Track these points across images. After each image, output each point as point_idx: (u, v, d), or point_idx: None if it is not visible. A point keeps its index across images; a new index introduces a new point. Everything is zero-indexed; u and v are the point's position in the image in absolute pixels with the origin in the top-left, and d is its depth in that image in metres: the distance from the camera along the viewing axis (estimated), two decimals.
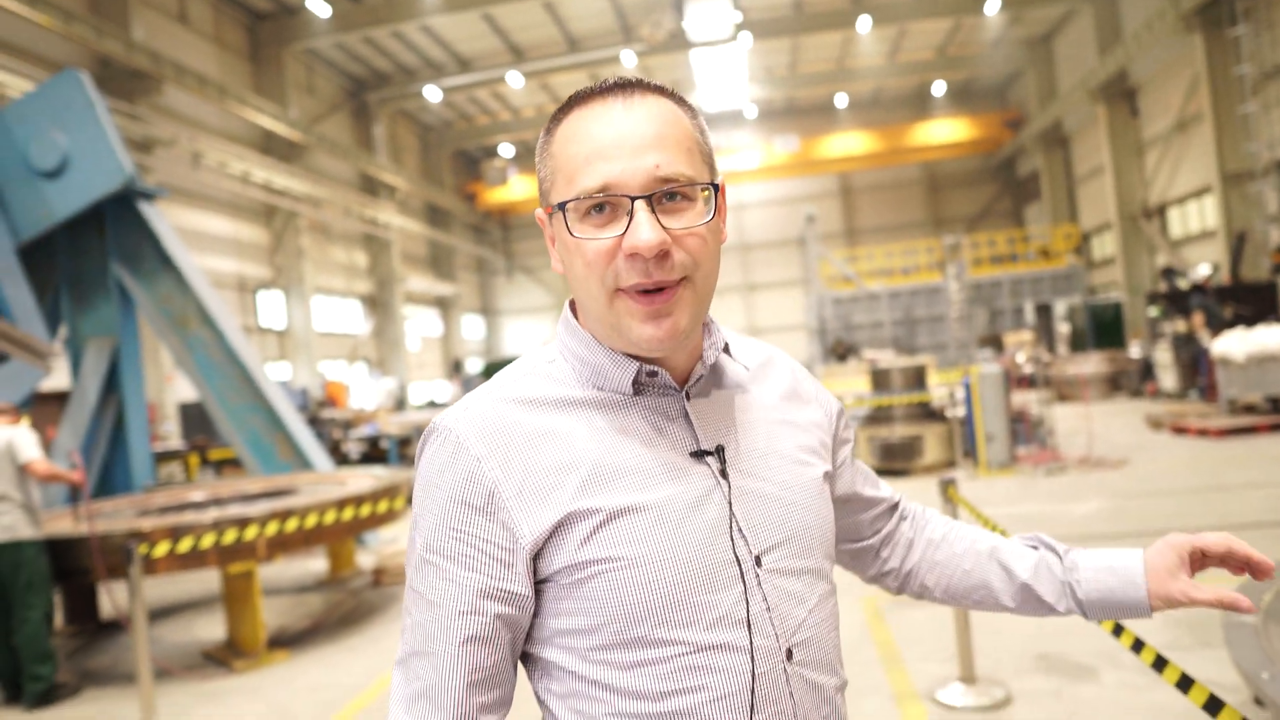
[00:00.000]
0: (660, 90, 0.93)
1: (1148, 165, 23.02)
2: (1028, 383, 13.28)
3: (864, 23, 25.36)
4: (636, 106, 0.89)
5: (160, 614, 6.55)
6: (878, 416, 10.02)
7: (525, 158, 37.03)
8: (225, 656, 5.21)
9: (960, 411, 9.78)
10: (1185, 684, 1.98)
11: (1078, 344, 19.62)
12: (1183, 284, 16.15)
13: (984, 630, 4.44)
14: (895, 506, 1.20)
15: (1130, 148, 23.37)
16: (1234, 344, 10.60)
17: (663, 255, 0.84)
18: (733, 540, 0.88)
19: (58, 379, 9.46)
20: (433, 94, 27.80)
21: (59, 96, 8.05)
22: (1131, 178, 23.33)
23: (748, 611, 0.87)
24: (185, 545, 4.64)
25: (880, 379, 10.11)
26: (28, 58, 15.03)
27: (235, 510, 5.40)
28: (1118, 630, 2.35)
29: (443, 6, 21.94)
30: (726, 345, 0.99)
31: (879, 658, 4.28)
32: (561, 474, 0.87)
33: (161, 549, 4.55)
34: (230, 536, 4.83)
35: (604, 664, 0.86)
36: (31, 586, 4.75)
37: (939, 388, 10.99)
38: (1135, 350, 17.04)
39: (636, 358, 0.91)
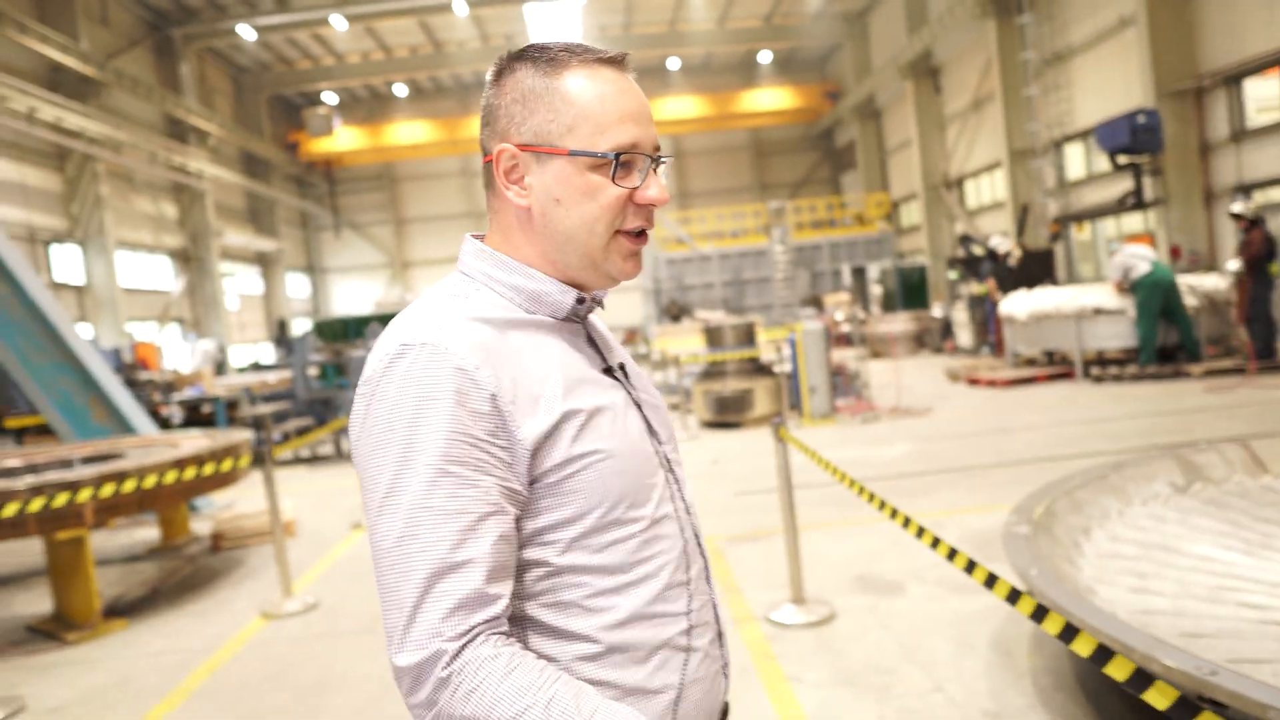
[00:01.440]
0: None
1: (949, 140, 25.03)
2: (845, 340, 14.35)
3: None
4: (635, 83, 1.06)
5: None
6: (712, 372, 10.58)
7: (351, 107, 35.28)
8: (54, 629, 4.95)
9: (787, 367, 10.50)
10: (991, 581, 2.37)
11: (888, 304, 21.26)
12: (978, 250, 17.86)
13: (810, 559, 4.96)
14: None
15: (934, 123, 25.30)
16: (1017, 305, 11.93)
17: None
18: (650, 436, 1.08)
19: None
20: (247, 32, 25.93)
21: None
22: (935, 151, 25.30)
23: (672, 490, 1.08)
24: (10, 511, 4.37)
25: (714, 336, 10.66)
26: None
27: (57, 475, 5.10)
28: (935, 543, 2.78)
29: None
30: None
31: (720, 588, 4.69)
32: (544, 381, 0.97)
33: None
34: (60, 500, 4.59)
35: (581, 549, 0.97)
36: None
37: (767, 345, 11.69)
38: (937, 311, 18.68)
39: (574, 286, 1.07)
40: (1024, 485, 5.48)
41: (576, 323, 1.09)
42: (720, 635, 1.10)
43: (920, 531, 2.69)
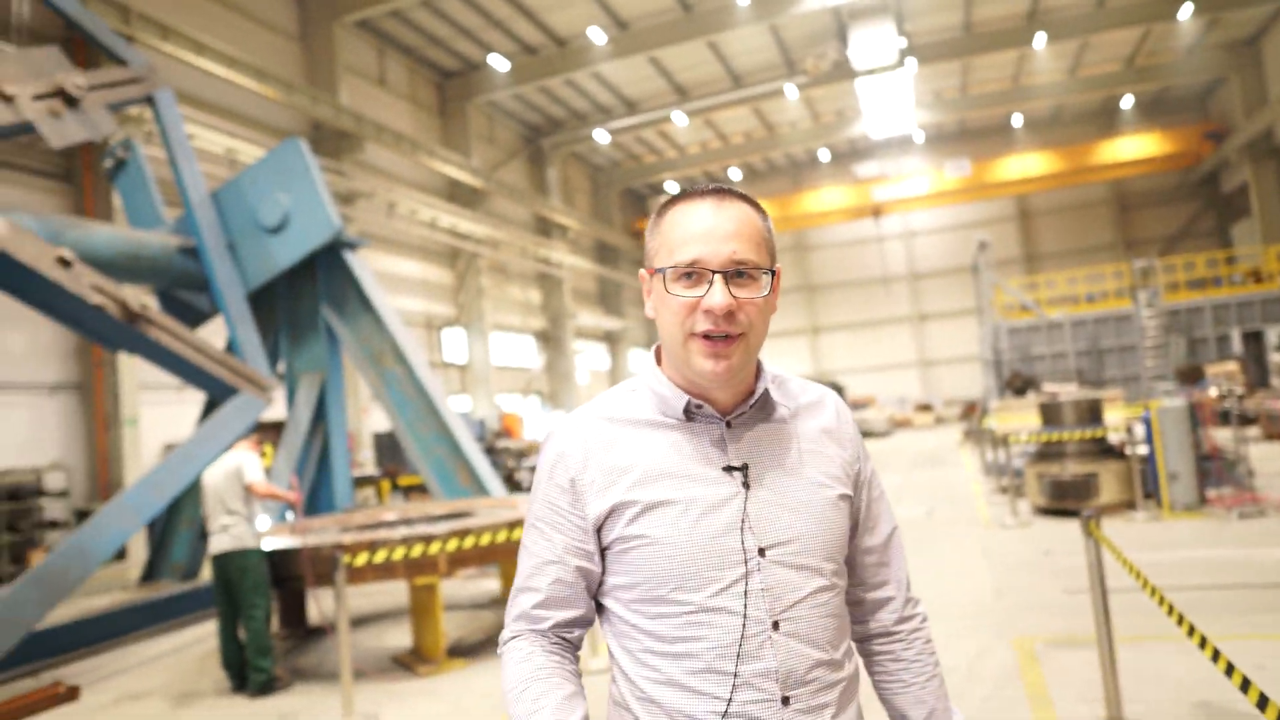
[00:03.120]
0: (743, 197, 1.24)
1: None
2: (1225, 418, 12.24)
3: (1040, 39, 24.34)
4: (725, 208, 1.21)
5: (357, 623, 7.33)
6: (1048, 453, 9.61)
7: None
8: (411, 662, 5.82)
9: (1141, 449, 9.23)
10: None
11: None
12: None
13: (1145, 675, 4.31)
14: (891, 601, 1.37)
15: None
16: None
17: (729, 314, 1.16)
18: (742, 533, 1.17)
19: (275, 410, 10.74)
20: (601, 136, 29.10)
21: (282, 162, 9.25)
22: None
23: (746, 587, 1.16)
24: (380, 557, 5.28)
25: (1050, 414, 9.71)
26: (255, 126, 17.18)
27: (421, 529, 6.05)
28: (1245, 685, 2.35)
29: (611, 54, 23.07)
30: (767, 390, 1.26)
31: (1026, 696, 4.25)
32: (620, 473, 1.21)
33: (361, 560, 5.20)
34: (417, 551, 5.44)
35: (638, 612, 1.19)
36: (255, 589, 5.55)
37: (1120, 423, 10.38)
38: None
39: (693, 393, 1.23)
40: None
41: (712, 422, 1.23)
42: None
43: (1214, 656, 2.28)
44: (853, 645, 1.29)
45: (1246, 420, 15.20)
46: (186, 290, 9.40)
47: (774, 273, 1.22)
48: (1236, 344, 20.43)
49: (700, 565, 1.16)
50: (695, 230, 1.18)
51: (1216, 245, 31.55)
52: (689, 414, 1.23)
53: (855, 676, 1.26)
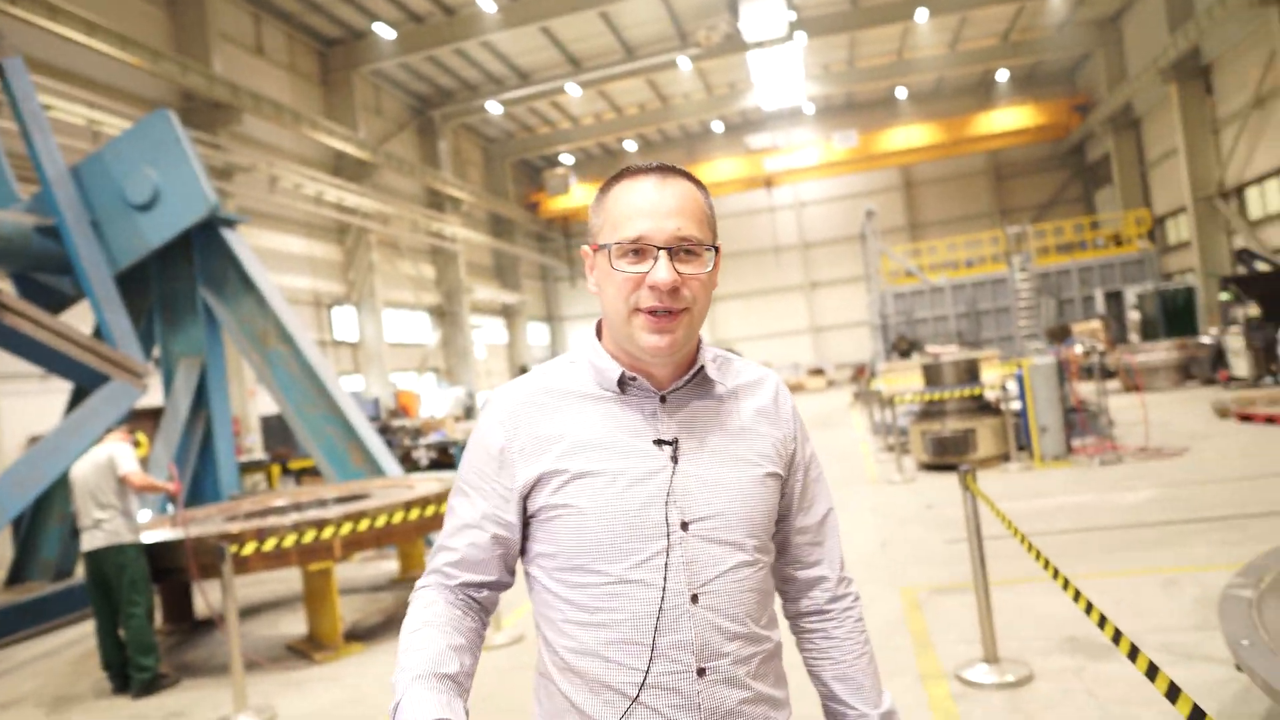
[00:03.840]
0: (686, 175, 1.24)
1: (1224, 144, 22.26)
2: (1090, 373, 13.06)
3: (922, 14, 25.12)
4: (669, 185, 1.21)
5: (247, 613, 7.09)
6: (931, 411, 10.07)
7: (585, 164, 37.62)
8: (306, 649, 5.67)
9: (1015, 404, 9.78)
10: (1152, 672, 2.10)
11: (1149, 332, 19.12)
12: (1262, 267, 15.64)
13: (1017, 615, 4.59)
14: (822, 580, 1.37)
15: (1205, 127, 22.64)
16: None
17: (674, 290, 1.18)
18: (666, 507, 1.18)
19: (151, 396, 10.20)
20: (494, 108, 28.55)
21: (150, 135, 8.72)
22: (1207, 158, 22.60)
23: (667, 560, 1.17)
24: (270, 545, 5.11)
25: (932, 374, 10.16)
26: (121, 96, 16.10)
27: (313, 514, 5.88)
28: (1101, 622, 2.53)
29: (502, 23, 22.58)
30: (703, 366, 1.27)
31: (911, 643, 4.47)
32: (551, 442, 1.22)
33: (249, 549, 5.02)
34: (309, 537, 5.29)
35: (560, 581, 1.21)
36: (134, 585, 5.29)
37: (997, 380, 10.95)
38: (1208, 337, 16.54)
39: (628, 367, 1.24)
40: None
41: (646, 396, 1.25)
42: (701, 711, 1.15)
43: (1075, 596, 2.45)
44: (775, 617, 1.30)
45: (1107, 375, 16.27)
46: (46, 273, 8.79)
47: (716, 249, 1.23)
48: (1100, 304, 21.81)
49: (621, 536, 1.17)
50: (640, 206, 1.19)
51: (1082, 212, 33.48)
52: (623, 386, 1.24)
53: (776, 649, 1.27)
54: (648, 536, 1.17)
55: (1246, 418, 10.46)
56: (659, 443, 1.21)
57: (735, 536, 1.21)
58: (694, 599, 1.17)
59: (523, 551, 1.28)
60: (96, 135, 14.46)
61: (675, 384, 1.25)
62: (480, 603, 1.27)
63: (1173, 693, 1.87)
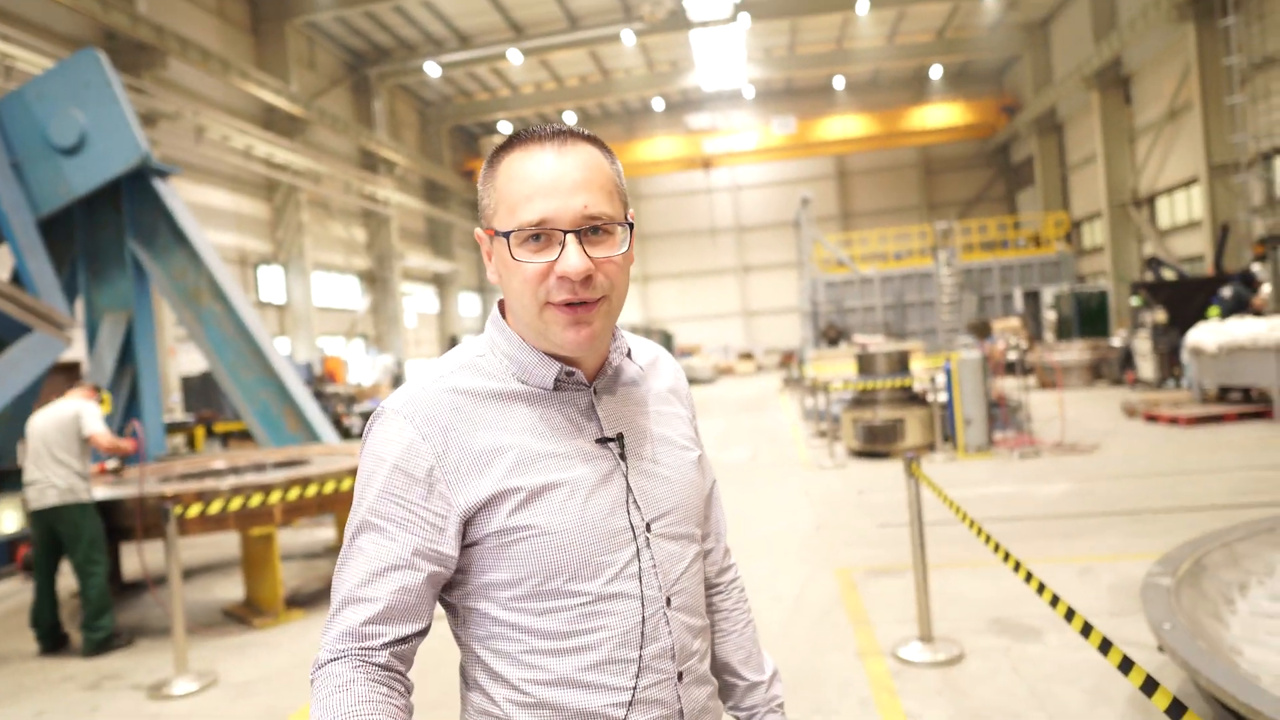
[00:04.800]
0: (589, 139, 1.08)
1: (1139, 154, 23.34)
2: (1011, 369, 13.65)
3: (863, 4, 25.52)
4: (569, 153, 1.04)
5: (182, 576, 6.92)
6: (862, 400, 10.40)
7: None
8: (245, 614, 5.60)
9: (941, 396, 10.17)
10: (1106, 646, 2.29)
11: (1064, 332, 20.04)
12: (1168, 275, 16.51)
13: (948, 597, 4.85)
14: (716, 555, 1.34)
15: (1122, 136, 23.68)
16: (1206, 335, 11.00)
17: (587, 278, 1.02)
18: (629, 511, 1.08)
19: (73, 351, 9.77)
20: (433, 70, 27.92)
21: (77, 75, 8.30)
22: (1123, 166, 23.67)
23: (639, 567, 1.08)
24: (215, 508, 5.02)
25: (865, 363, 10.49)
26: (35, 31, 15.19)
27: (254, 478, 5.78)
28: (1054, 601, 2.71)
29: None
30: (629, 350, 1.17)
31: (849, 621, 4.68)
32: (494, 455, 1.04)
33: (193, 511, 4.92)
34: (255, 501, 5.21)
35: (520, 610, 1.05)
36: (94, 545, 5.17)
37: (923, 373, 11.37)
38: (1118, 340, 17.44)
39: (557, 358, 1.09)
40: (1197, 533, 5.12)
41: (579, 390, 1.11)
42: (683, 718, 1.11)
43: (1028, 575, 2.64)
44: None
45: (1027, 371, 17.03)
46: None
47: (631, 225, 1.09)
48: (1019, 302, 22.72)
49: (593, 551, 1.05)
50: (538, 183, 1.02)
51: (1006, 210, 34.71)
52: (558, 384, 1.10)
53: None
54: (618, 545, 1.07)
55: (1152, 418, 11.12)
56: (601, 441, 1.10)
57: (689, 529, 1.16)
58: (668, 601, 1.10)
59: (450, 586, 1.09)
60: (10, 71, 13.64)
61: (603, 374, 1.13)
62: (403, 669, 1.04)
63: (1125, 665, 2.05)
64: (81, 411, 5.30)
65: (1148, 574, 3.44)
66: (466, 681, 1.12)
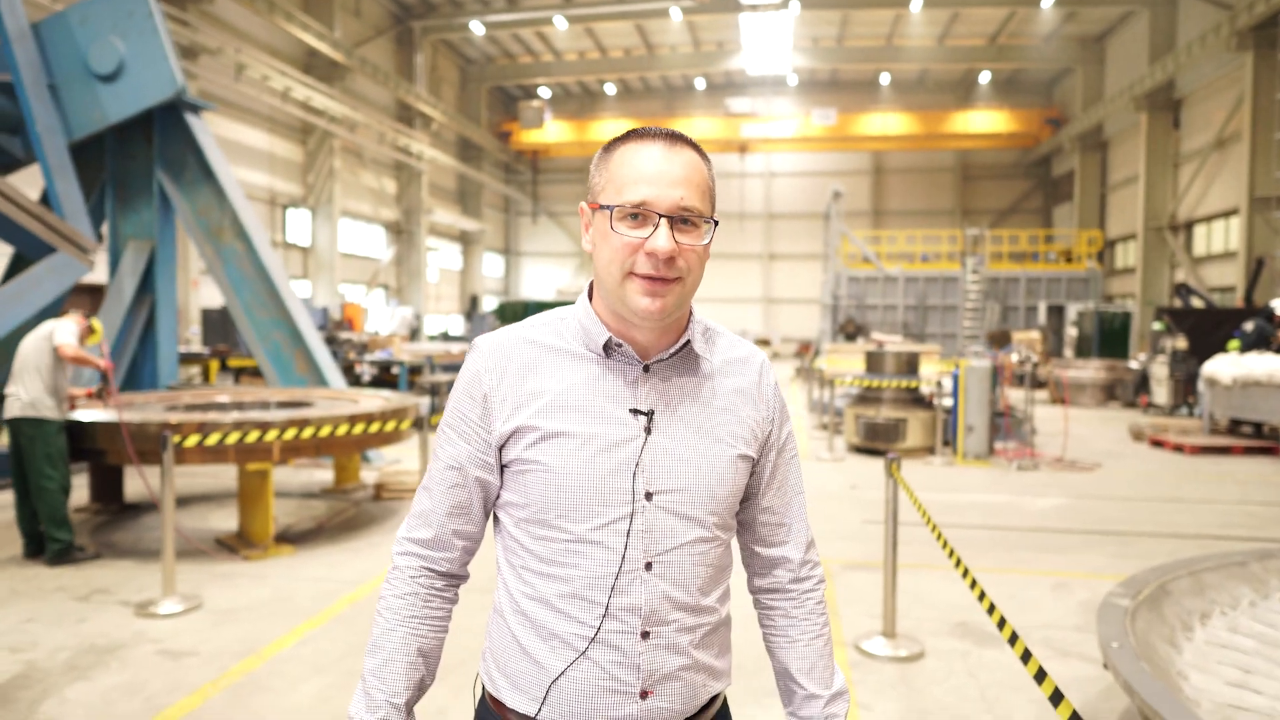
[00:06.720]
0: (693, 145, 1.25)
1: (1181, 179, 22.98)
2: (1021, 381, 13.59)
3: (916, 2, 25.17)
4: (676, 153, 1.21)
5: (178, 503, 7.10)
6: (867, 397, 10.42)
7: (562, 101, 37.01)
8: (236, 545, 5.75)
9: (947, 401, 10.17)
10: (1040, 676, 2.27)
11: (1083, 349, 19.87)
12: (1196, 302, 16.32)
13: (916, 597, 4.91)
14: (786, 560, 1.39)
15: (1167, 160, 23.31)
16: (1223, 366, 10.90)
17: (670, 259, 1.18)
18: (633, 476, 1.21)
19: (97, 274, 9.94)
20: (477, 28, 27.85)
21: (122, 3, 8.39)
22: (1164, 190, 23.31)
23: (629, 528, 1.20)
24: (213, 440, 5.15)
25: (874, 361, 10.49)
26: None
27: (256, 415, 5.91)
28: (1001, 623, 2.76)
29: None
30: (689, 341, 1.28)
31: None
32: (533, 398, 1.24)
33: (191, 441, 5.05)
34: (252, 437, 5.33)
35: (524, 531, 1.25)
36: (49, 459, 5.36)
37: (934, 376, 11.34)
38: (1135, 362, 17.30)
39: (615, 332, 1.25)
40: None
41: (630, 364, 1.25)
42: (640, 672, 1.20)
43: (972, 585, 2.69)
44: (729, 593, 1.32)
45: (1038, 384, 16.93)
46: None
47: (716, 222, 1.24)
48: (1042, 315, 22.54)
49: (586, 499, 1.20)
50: (645, 171, 1.19)
51: (1040, 223, 34.29)
52: (608, 350, 1.25)
53: (724, 622, 1.31)
54: (612, 502, 1.20)
55: (1158, 443, 11.06)
56: (635, 412, 1.23)
57: (696, 512, 1.24)
58: (648, 566, 1.21)
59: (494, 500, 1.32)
60: None
61: (660, 355, 1.26)
62: (456, 575, 1.31)
63: (1040, 677, 2.11)
64: (56, 327, 5.49)
65: (1108, 594, 3.47)
66: (498, 580, 1.33)
